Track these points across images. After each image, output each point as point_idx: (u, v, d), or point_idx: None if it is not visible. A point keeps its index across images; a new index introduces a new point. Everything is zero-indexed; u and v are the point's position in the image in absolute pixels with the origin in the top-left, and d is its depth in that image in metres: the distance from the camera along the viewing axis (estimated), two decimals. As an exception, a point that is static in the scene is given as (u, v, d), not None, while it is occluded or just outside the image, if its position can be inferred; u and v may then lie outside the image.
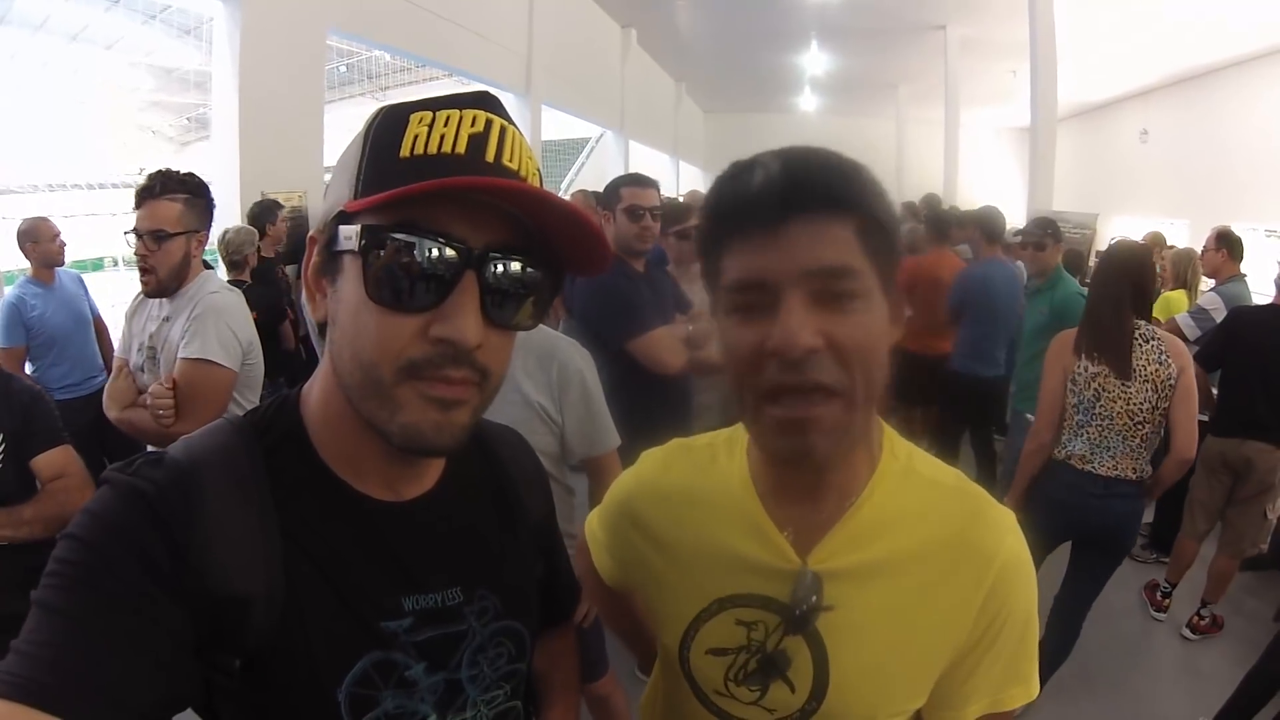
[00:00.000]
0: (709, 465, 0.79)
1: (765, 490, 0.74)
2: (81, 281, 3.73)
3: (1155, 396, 2.25)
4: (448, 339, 0.54)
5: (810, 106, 17.85)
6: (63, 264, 3.54)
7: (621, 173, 2.51)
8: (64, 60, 17.19)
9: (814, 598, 0.69)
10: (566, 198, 3.52)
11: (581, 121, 12.04)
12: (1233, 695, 2.32)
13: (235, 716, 0.57)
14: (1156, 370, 2.25)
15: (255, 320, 1.99)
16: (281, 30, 4.71)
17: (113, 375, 1.91)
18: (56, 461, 1.65)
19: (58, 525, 1.54)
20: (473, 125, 0.56)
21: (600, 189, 2.61)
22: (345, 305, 0.56)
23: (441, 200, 0.53)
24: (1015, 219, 7.44)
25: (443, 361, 0.54)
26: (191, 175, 1.89)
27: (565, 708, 0.87)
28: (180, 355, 1.80)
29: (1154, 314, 2.72)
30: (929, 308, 4.13)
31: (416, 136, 0.55)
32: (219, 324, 1.82)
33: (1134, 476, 2.32)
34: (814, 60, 13.24)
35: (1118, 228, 9.71)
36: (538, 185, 0.59)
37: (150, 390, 1.79)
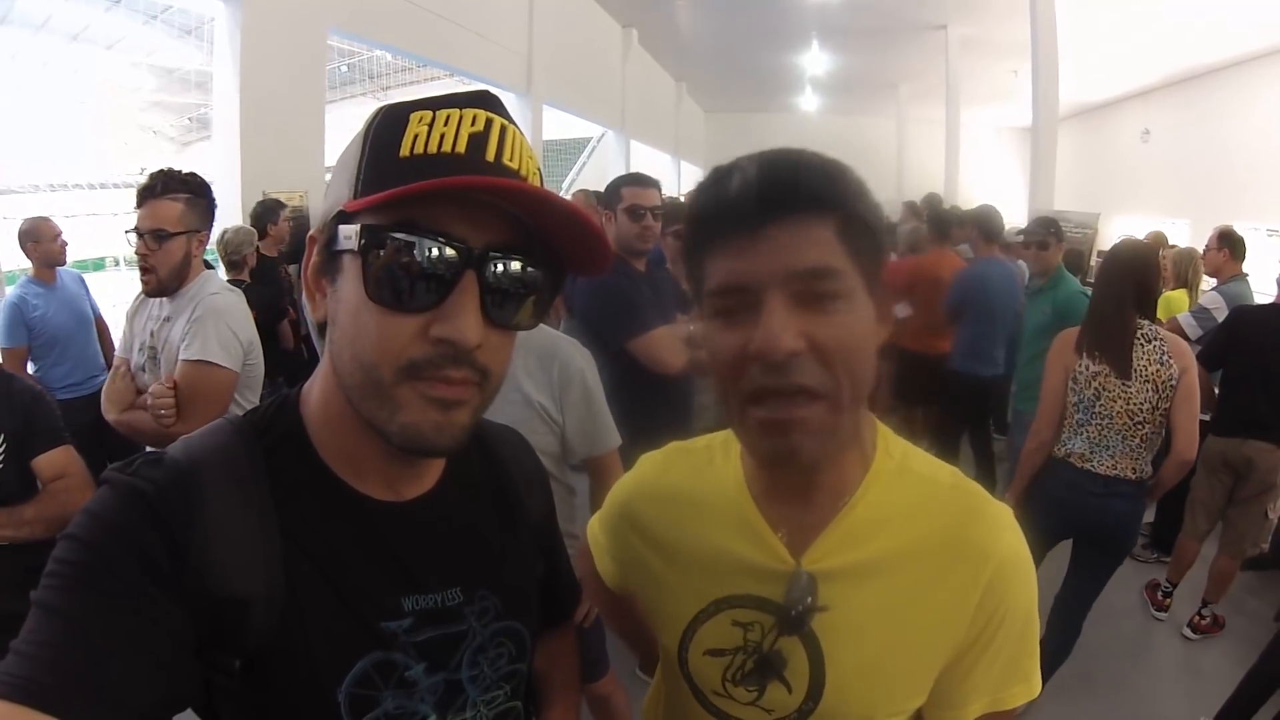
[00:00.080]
0: (705, 467, 0.80)
1: (759, 491, 0.74)
2: (83, 281, 3.74)
3: (1155, 397, 2.25)
4: (448, 339, 0.54)
5: (811, 106, 17.86)
6: (64, 264, 3.54)
7: (622, 172, 2.51)
8: (65, 60, 17.20)
9: (809, 598, 0.69)
10: (567, 197, 3.53)
11: (582, 121, 12.04)
12: (1233, 695, 2.32)
13: (235, 717, 0.57)
14: (1158, 370, 2.24)
15: (254, 320, 1.99)
16: (282, 30, 4.71)
17: (110, 376, 1.90)
18: (58, 462, 1.65)
19: (59, 525, 1.53)
20: (473, 124, 0.56)
21: (601, 189, 2.61)
22: (345, 305, 0.56)
23: (441, 200, 0.53)
24: (1016, 219, 7.44)
25: (443, 362, 0.54)
26: (193, 175, 1.89)
27: (565, 708, 0.87)
28: (180, 357, 1.79)
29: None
30: (929, 307, 4.13)
31: (416, 136, 0.55)
32: (219, 325, 1.82)
33: (1133, 476, 2.32)
34: (815, 60, 13.24)
35: (1119, 227, 9.71)
36: (538, 185, 0.59)
37: (151, 390, 1.79)
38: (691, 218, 0.67)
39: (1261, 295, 3.76)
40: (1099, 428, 2.33)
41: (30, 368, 3.41)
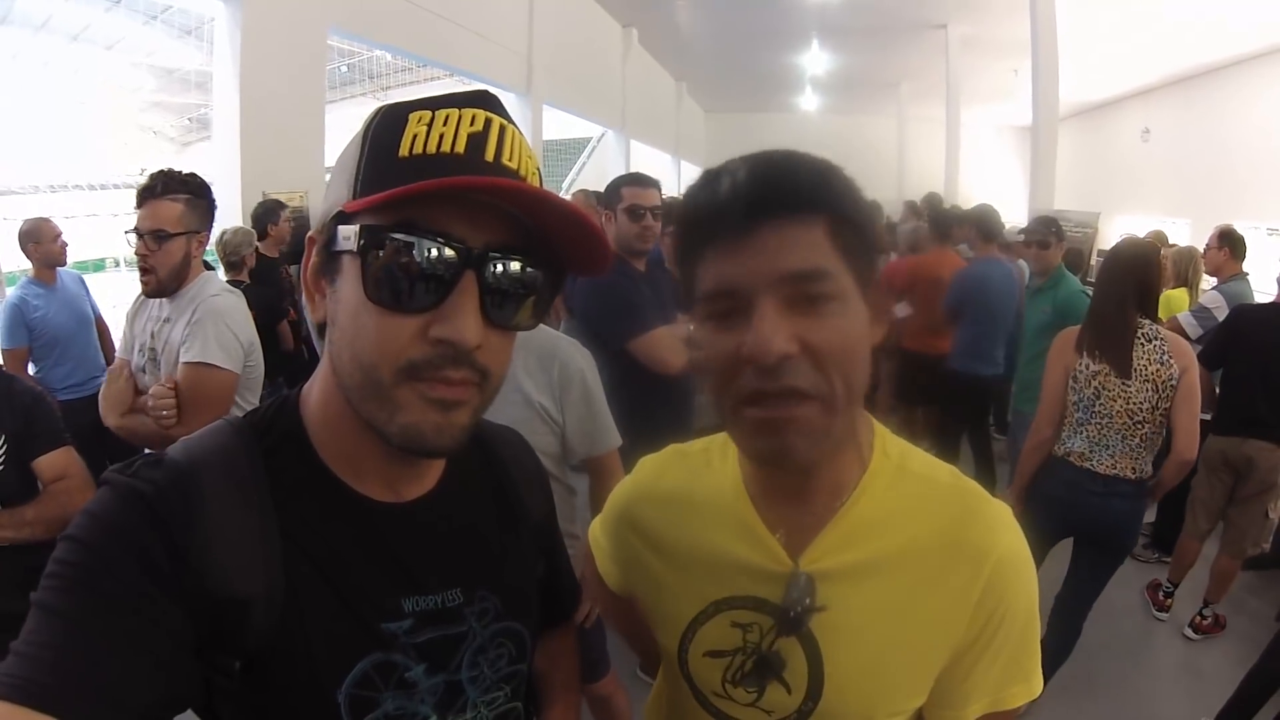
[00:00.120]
0: (703, 469, 0.80)
1: (757, 493, 0.74)
2: (83, 282, 3.74)
3: (1155, 396, 2.25)
4: (447, 340, 0.54)
5: (811, 106, 17.84)
6: (65, 264, 3.55)
7: (622, 172, 2.51)
8: (65, 60, 17.22)
9: (807, 599, 0.69)
10: (568, 197, 3.53)
11: (582, 121, 12.04)
12: (1233, 695, 2.32)
13: (235, 717, 0.57)
14: (1158, 370, 2.24)
15: (254, 320, 1.99)
16: (282, 30, 4.71)
17: (107, 380, 1.89)
18: (58, 463, 1.65)
19: (59, 526, 1.53)
20: (472, 124, 0.55)
21: (601, 189, 2.61)
22: (344, 306, 0.56)
23: (440, 200, 0.53)
24: (1017, 218, 7.44)
25: (442, 362, 0.54)
26: (193, 176, 1.89)
27: (566, 708, 0.87)
28: (181, 359, 1.79)
29: (1155, 312, 2.71)
30: (930, 307, 4.13)
31: (415, 136, 0.55)
32: (219, 326, 1.82)
33: (1133, 476, 2.32)
34: (815, 59, 13.23)
35: (1119, 227, 9.71)
36: (538, 185, 0.59)
37: (151, 392, 1.79)
38: (682, 222, 0.66)
39: (1262, 294, 3.75)
40: (1098, 427, 2.33)
41: (31, 368, 3.41)
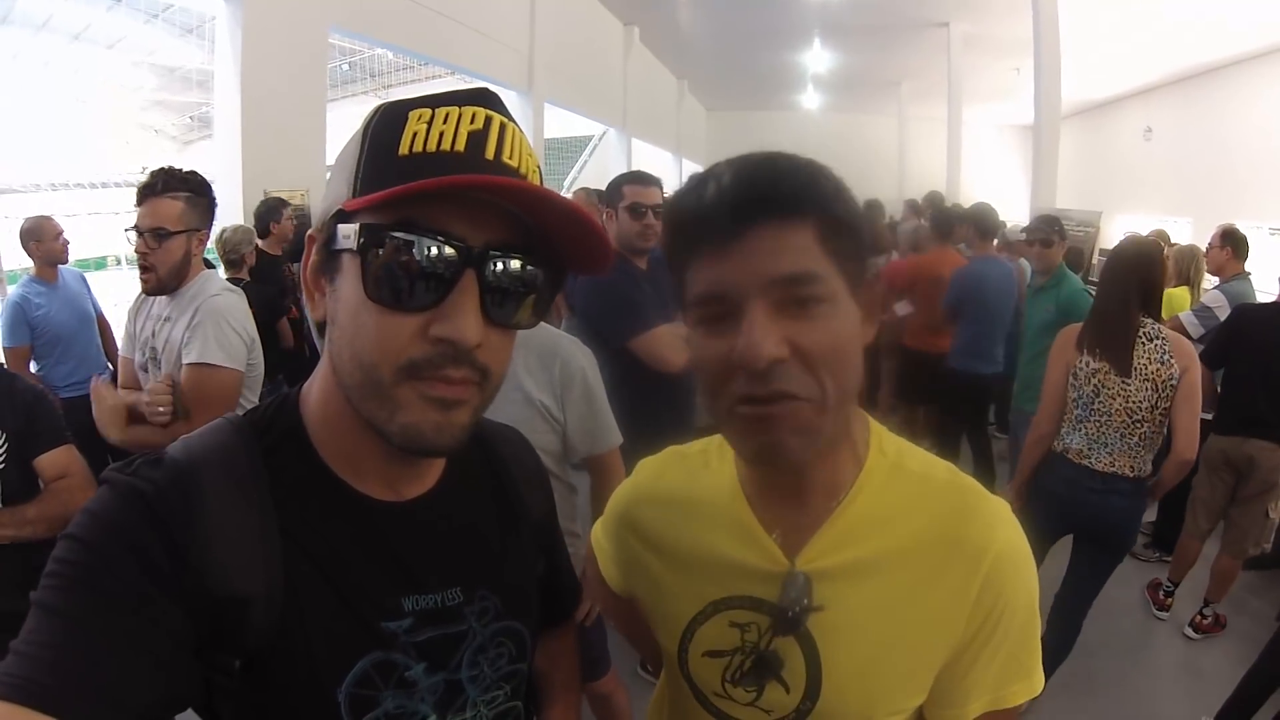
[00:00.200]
0: (701, 470, 0.80)
1: (753, 493, 0.74)
2: (84, 279, 3.75)
3: (1155, 396, 2.25)
4: (448, 338, 0.53)
5: (813, 104, 17.83)
6: (66, 262, 3.55)
7: (624, 170, 2.51)
8: (66, 60, 17.21)
9: (804, 599, 0.69)
10: (569, 196, 3.52)
11: (584, 119, 12.04)
12: (1233, 694, 2.32)
13: (235, 716, 0.57)
14: (1158, 370, 2.24)
15: (254, 318, 1.99)
16: (283, 29, 4.72)
17: (95, 402, 1.83)
18: (59, 461, 1.65)
19: (61, 524, 1.53)
20: (472, 122, 0.55)
21: (603, 187, 2.61)
22: (344, 305, 0.56)
23: (441, 199, 0.53)
24: (1018, 217, 7.43)
25: (443, 361, 0.54)
26: (194, 174, 1.88)
27: (566, 707, 0.87)
28: (184, 361, 1.79)
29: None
30: (931, 305, 4.14)
31: (415, 134, 0.55)
32: (220, 326, 1.81)
33: (1131, 474, 2.32)
34: (816, 58, 13.22)
35: (1121, 226, 9.69)
36: (538, 183, 0.59)
37: (149, 389, 1.79)
38: (670, 226, 0.66)
39: (1264, 294, 3.75)
40: (1097, 424, 2.34)
41: (33, 366, 3.42)
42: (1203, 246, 4.03)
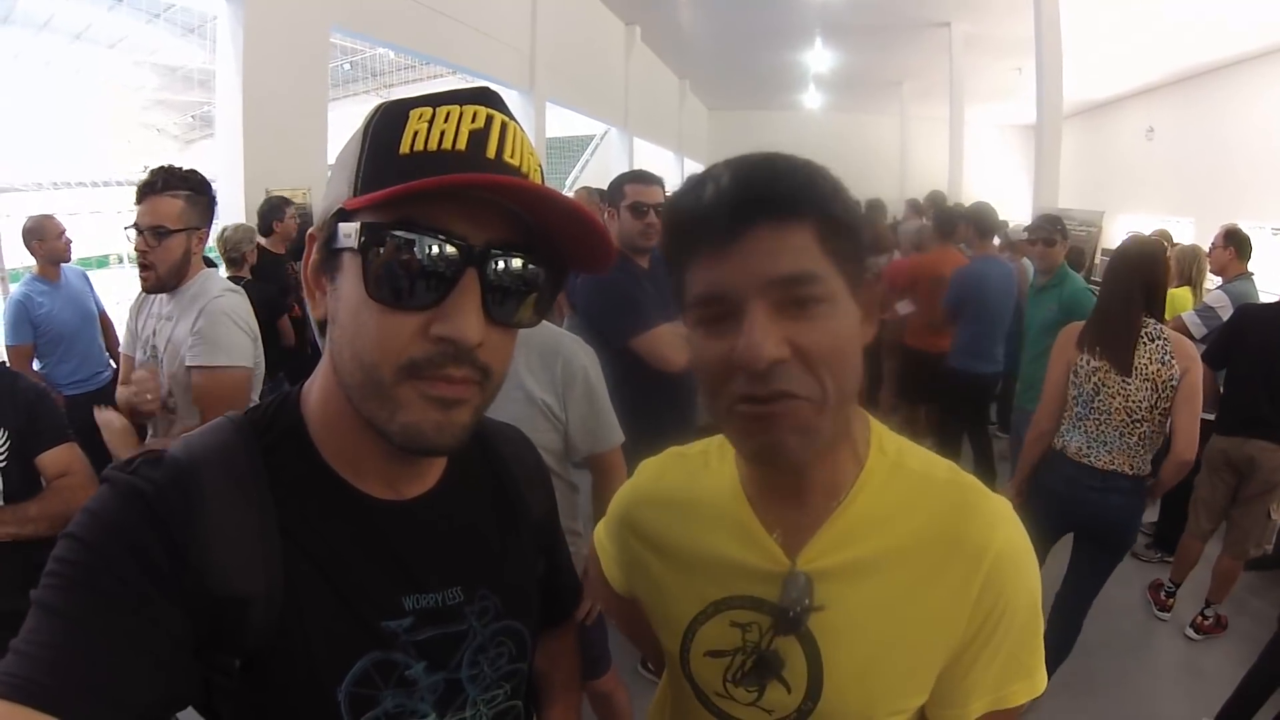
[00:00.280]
0: (701, 471, 0.80)
1: (754, 493, 0.74)
2: (86, 278, 3.75)
3: (1154, 396, 2.25)
4: (448, 338, 0.53)
5: (814, 103, 17.82)
6: (69, 261, 3.56)
7: (625, 170, 2.51)
8: (67, 59, 17.21)
9: (805, 599, 0.69)
10: (570, 195, 3.52)
11: (586, 118, 12.03)
12: (1233, 694, 2.33)
13: (235, 716, 0.57)
14: (1159, 370, 2.24)
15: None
16: (285, 28, 4.72)
17: (104, 428, 1.81)
18: (61, 459, 1.65)
19: (62, 523, 1.52)
20: (473, 121, 0.55)
21: (604, 186, 2.61)
22: (345, 304, 0.56)
23: (442, 197, 0.52)
24: (1021, 216, 7.42)
25: (444, 360, 0.54)
26: (194, 172, 1.88)
27: (566, 706, 0.87)
28: (192, 364, 1.79)
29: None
30: (932, 305, 4.14)
31: (416, 133, 0.54)
32: (226, 326, 1.81)
33: (1130, 472, 2.33)
34: (818, 57, 13.21)
35: (1122, 226, 9.69)
36: (539, 181, 0.59)
37: (132, 378, 1.80)
38: (669, 227, 0.66)
39: (1266, 294, 3.74)
40: (1097, 423, 2.35)
41: (36, 365, 3.42)
42: (1205, 247, 4.03)
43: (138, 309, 2.00)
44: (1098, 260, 6.65)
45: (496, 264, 0.55)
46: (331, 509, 0.60)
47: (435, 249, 0.53)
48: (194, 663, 0.53)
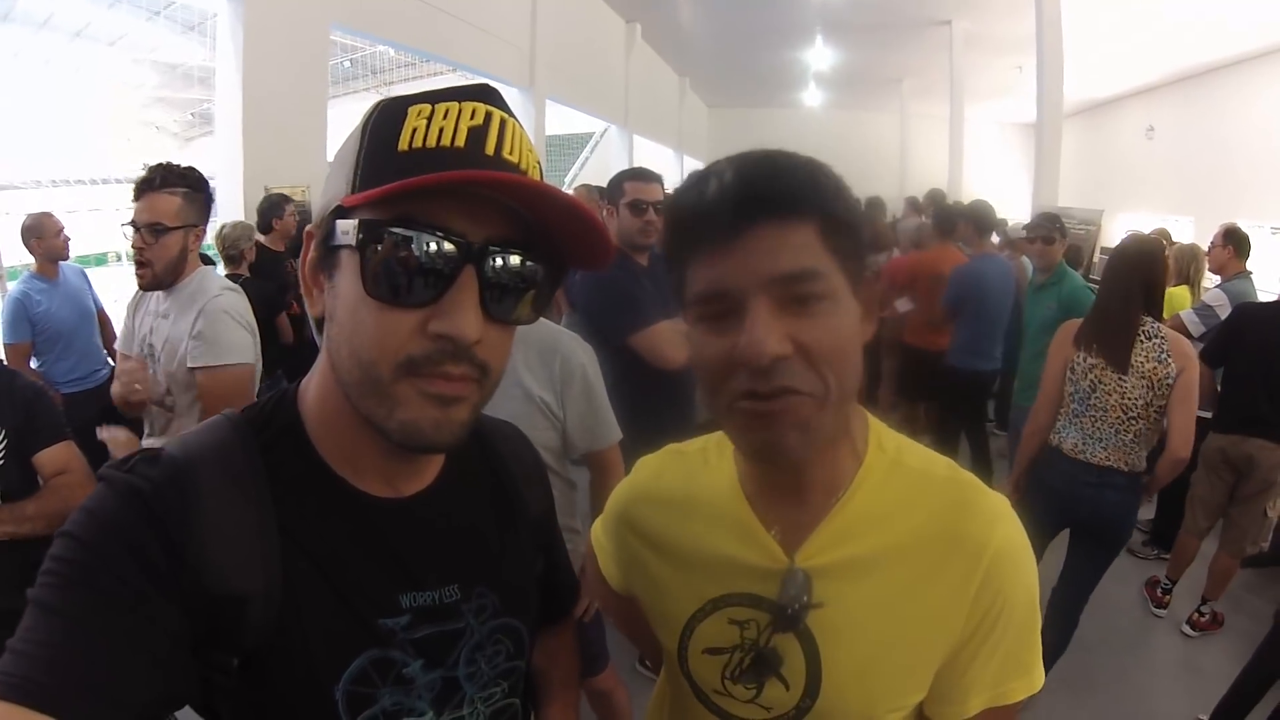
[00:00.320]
0: (700, 468, 0.80)
1: (753, 491, 0.74)
2: (85, 275, 3.75)
3: (1150, 394, 2.27)
4: (447, 335, 0.53)
5: (815, 101, 17.80)
6: (67, 259, 3.55)
7: (625, 167, 2.51)
8: (67, 57, 17.19)
9: (804, 596, 0.69)
10: (570, 192, 3.52)
11: (585, 116, 12.02)
12: (1229, 691, 2.33)
13: (234, 714, 0.57)
14: (1155, 368, 2.26)
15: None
16: (285, 26, 4.71)
17: (111, 445, 1.84)
18: (59, 457, 1.65)
19: (60, 521, 1.52)
20: (472, 118, 0.55)
21: (604, 184, 2.60)
22: (343, 301, 0.56)
23: (440, 194, 0.52)
24: (1021, 215, 7.41)
25: (442, 358, 0.54)
26: (191, 169, 1.87)
27: (564, 704, 0.87)
28: (195, 365, 1.79)
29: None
30: (932, 303, 4.14)
31: (415, 130, 0.54)
32: (227, 325, 1.81)
33: (1125, 468, 2.34)
34: (818, 55, 13.19)
35: (1122, 224, 9.69)
36: (538, 179, 0.59)
37: (119, 370, 1.82)
38: (670, 224, 0.66)
39: (1265, 293, 3.75)
40: (1093, 420, 2.36)
41: (34, 363, 3.42)
42: (1204, 245, 4.03)
43: (135, 307, 2.00)
44: (1096, 258, 6.64)
45: (495, 261, 0.55)
46: (329, 507, 0.60)
47: (433, 246, 0.53)
48: (192, 661, 0.53)
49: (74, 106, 18.82)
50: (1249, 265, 3.70)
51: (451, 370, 0.55)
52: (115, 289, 4.95)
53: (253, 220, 4.08)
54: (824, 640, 0.69)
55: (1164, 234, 5.32)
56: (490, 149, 0.55)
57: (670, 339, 2.14)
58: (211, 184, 1.92)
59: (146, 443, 1.94)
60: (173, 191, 1.81)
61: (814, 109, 18.22)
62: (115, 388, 1.82)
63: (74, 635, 0.48)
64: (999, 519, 0.70)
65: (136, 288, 1.94)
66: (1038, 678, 0.72)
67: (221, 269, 3.59)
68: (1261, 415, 2.92)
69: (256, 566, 0.55)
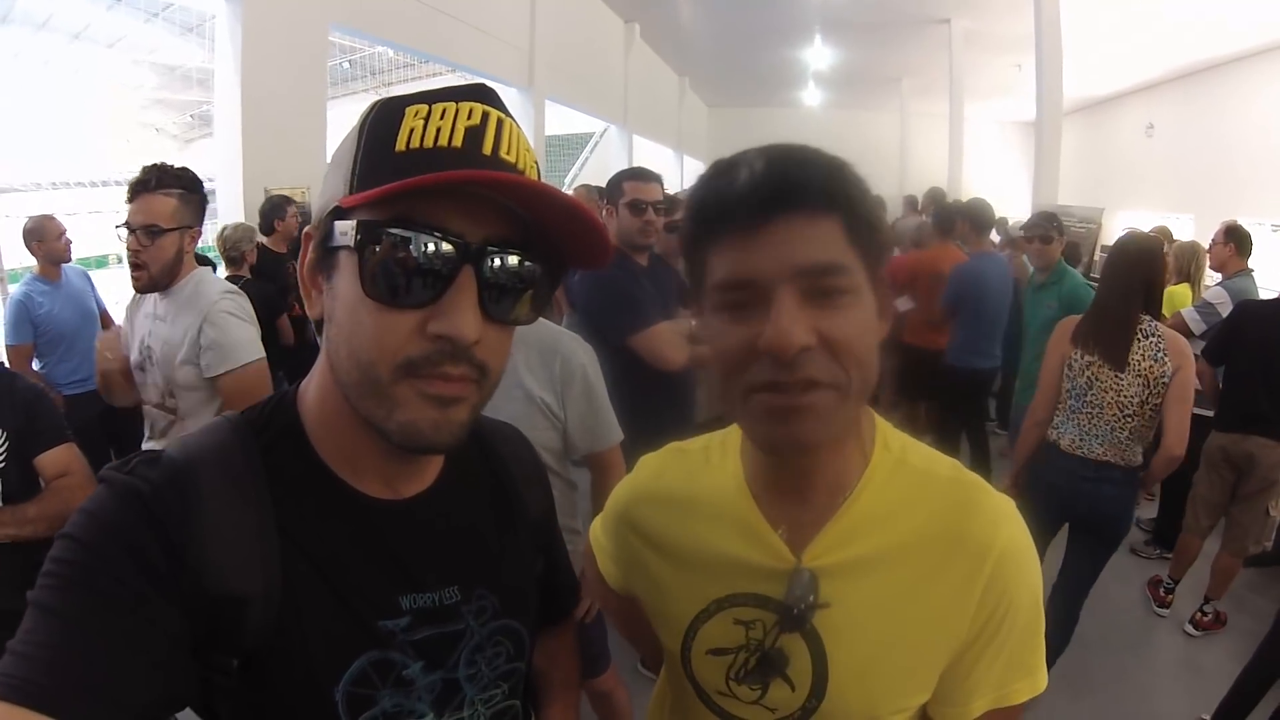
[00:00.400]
0: (703, 467, 0.79)
1: (759, 490, 0.74)
2: (88, 277, 3.76)
3: (1145, 392, 2.28)
4: (446, 335, 0.53)
5: (814, 100, 17.79)
6: (69, 261, 3.56)
7: (625, 167, 2.50)
8: (66, 59, 17.21)
9: (810, 596, 0.68)
10: (569, 192, 3.52)
11: (585, 116, 12.01)
12: (1230, 690, 2.33)
13: (234, 716, 0.57)
14: (1151, 366, 2.26)
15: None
16: (284, 27, 4.71)
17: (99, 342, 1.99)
18: (60, 459, 1.65)
19: (61, 523, 1.52)
20: (469, 118, 0.55)
21: (603, 184, 2.60)
22: (342, 302, 0.56)
23: (438, 194, 0.52)
24: (1020, 213, 7.41)
25: (441, 359, 0.54)
26: (185, 170, 1.86)
27: (564, 706, 0.87)
28: (209, 375, 1.80)
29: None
30: (931, 302, 4.14)
31: (412, 130, 0.54)
32: (232, 325, 1.82)
33: (1122, 464, 2.35)
34: (818, 54, 13.18)
35: (1123, 222, 9.69)
36: (536, 178, 0.58)
37: (98, 339, 1.90)
38: (695, 210, 0.66)
39: (1266, 291, 3.74)
40: (1089, 416, 2.38)
41: (36, 364, 3.42)
42: (1205, 243, 4.03)
43: (133, 309, 2.00)
44: (1097, 256, 6.65)
45: (493, 261, 0.55)
46: (329, 508, 0.60)
47: (431, 246, 0.53)
48: (192, 662, 0.53)
49: (73, 108, 18.84)
50: (1250, 263, 3.70)
51: (451, 371, 0.54)
52: (115, 291, 4.95)
53: (253, 221, 4.08)
54: (830, 641, 0.69)
55: (1165, 232, 5.31)
56: (488, 149, 0.55)
57: (670, 340, 2.14)
58: (211, 186, 1.92)
59: (147, 445, 1.95)
60: (168, 193, 1.80)
61: (814, 108, 18.20)
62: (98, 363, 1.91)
63: (74, 637, 0.48)
64: (1003, 520, 0.70)
65: (132, 290, 1.94)
66: (1041, 679, 0.72)
67: (223, 270, 3.59)
68: (1262, 413, 2.92)
69: (256, 568, 0.55)
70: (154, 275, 1.81)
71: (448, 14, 6.62)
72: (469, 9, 6.97)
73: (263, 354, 1.87)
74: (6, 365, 2.00)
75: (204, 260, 1.98)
